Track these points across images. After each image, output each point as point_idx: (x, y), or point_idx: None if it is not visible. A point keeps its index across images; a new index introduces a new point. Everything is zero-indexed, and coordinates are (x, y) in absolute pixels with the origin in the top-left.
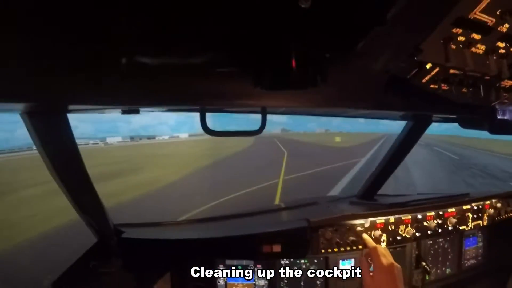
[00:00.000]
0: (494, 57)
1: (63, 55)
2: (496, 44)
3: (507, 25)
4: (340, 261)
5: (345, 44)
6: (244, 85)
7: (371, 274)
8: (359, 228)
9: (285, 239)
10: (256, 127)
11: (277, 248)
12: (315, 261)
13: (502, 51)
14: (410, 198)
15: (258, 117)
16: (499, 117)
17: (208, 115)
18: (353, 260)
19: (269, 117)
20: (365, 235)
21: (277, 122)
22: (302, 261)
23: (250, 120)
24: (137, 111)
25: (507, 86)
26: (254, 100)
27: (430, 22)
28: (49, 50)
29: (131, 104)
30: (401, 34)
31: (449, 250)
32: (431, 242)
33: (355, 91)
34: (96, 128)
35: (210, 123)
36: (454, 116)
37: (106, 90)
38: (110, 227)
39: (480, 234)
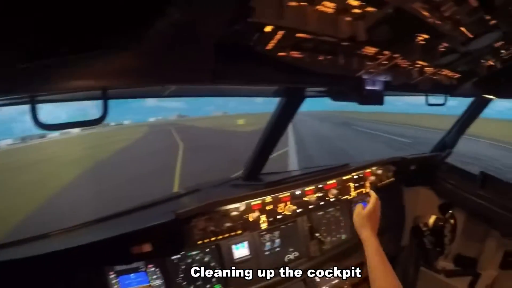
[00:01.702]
0: (347, 19)
1: None
2: (348, 2)
3: None
4: (233, 246)
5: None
6: (74, 62)
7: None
8: (234, 213)
9: (154, 236)
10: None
11: (147, 248)
12: (207, 250)
13: (357, 10)
14: (292, 174)
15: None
16: (367, 87)
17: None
18: (246, 243)
19: (163, 103)
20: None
21: (173, 108)
22: (194, 252)
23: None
24: None
25: (370, 54)
26: (91, 82)
27: None
28: None
29: None
30: None
31: (341, 218)
32: (321, 213)
33: (187, 62)
34: None
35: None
36: (325, 89)
37: None
38: None
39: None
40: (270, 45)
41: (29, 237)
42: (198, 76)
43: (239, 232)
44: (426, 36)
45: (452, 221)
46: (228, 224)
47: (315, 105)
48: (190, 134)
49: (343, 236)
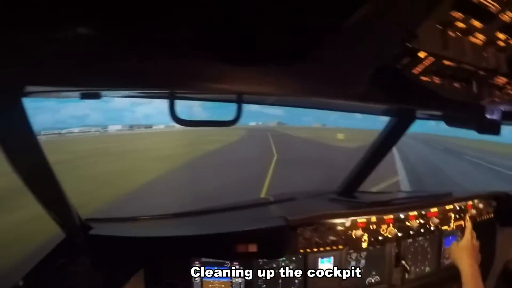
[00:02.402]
0: (492, 50)
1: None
2: (496, 35)
3: (510, 14)
4: (319, 259)
5: (328, 23)
6: (217, 67)
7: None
8: (339, 228)
9: (261, 238)
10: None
11: (253, 248)
12: (294, 259)
13: (501, 43)
14: (392, 196)
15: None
16: (488, 116)
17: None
18: (332, 258)
19: (265, 109)
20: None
21: (273, 115)
22: (280, 259)
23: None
24: (97, 96)
25: (500, 84)
26: (228, 84)
27: (427, 3)
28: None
29: (89, 86)
30: (394, 16)
31: (428, 249)
32: (411, 241)
33: (339, 79)
34: (105, 116)
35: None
36: (440, 113)
37: (62, 71)
38: (76, 223)
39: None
40: (417, 69)
41: (121, 217)
42: (350, 93)
43: (340, 247)
44: None
45: None
46: (332, 238)
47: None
48: (287, 144)
49: (427, 269)
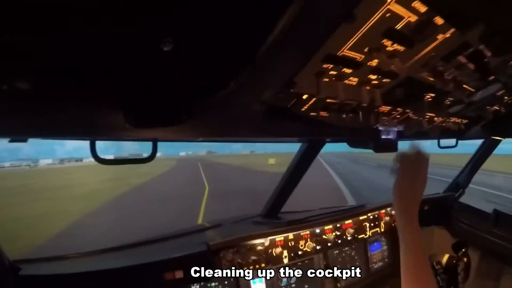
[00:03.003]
0: (367, 88)
1: None
2: (368, 77)
3: (376, 60)
4: (251, 281)
5: (217, 82)
6: (132, 119)
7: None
8: (259, 248)
9: (187, 264)
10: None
11: (179, 274)
12: (226, 283)
13: (375, 82)
14: (311, 214)
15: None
16: (383, 137)
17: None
18: (263, 278)
19: None
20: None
21: (203, 145)
22: (213, 284)
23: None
24: (24, 140)
25: (385, 111)
26: (143, 133)
27: (301, 58)
28: None
29: (14, 135)
30: (274, 69)
31: (356, 257)
32: (337, 251)
33: (237, 121)
34: (37, 150)
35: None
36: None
37: None
38: (5, 263)
39: (383, 239)
40: (304, 108)
41: (50, 257)
42: (247, 132)
43: (263, 265)
44: (433, 94)
45: (465, 259)
46: (253, 257)
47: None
48: (218, 174)
49: (358, 275)
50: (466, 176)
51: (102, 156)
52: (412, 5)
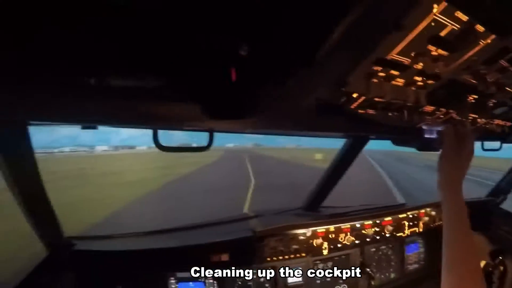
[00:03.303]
0: (413, 88)
1: (24, 74)
2: (414, 78)
3: (421, 64)
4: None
5: (279, 80)
6: (192, 110)
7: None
8: (301, 237)
9: (233, 248)
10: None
11: (225, 257)
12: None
13: (420, 83)
14: (351, 209)
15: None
16: (426, 136)
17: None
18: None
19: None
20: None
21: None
22: (255, 270)
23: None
24: (95, 127)
25: (429, 111)
26: (201, 124)
27: (355, 60)
28: (12, 68)
29: (90, 122)
30: (330, 69)
31: (392, 256)
32: (374, 249)
33: (293, 116)
34: (94, 137)
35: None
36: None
37: (67, 108)
38: (61, 239)
39: (420, 240)
40: (354, 105)
41: (102, 235)
42: (300, 126)
43: (303, 254)
44: (476, 96)
45: (502, 268)
46: (295, 246)
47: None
48: (265, 168)
49: (392, 275)
50: (509, 181)
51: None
52: (455, 14)
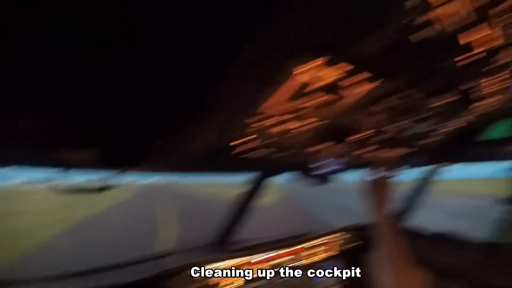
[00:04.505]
0: (303, 130)
1: None
2: (303, 122)
3: (307, 109)
4: None
5: (171, 131)
6: (91, 156)
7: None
8: (210, 273)
9: None
10: None
11: None
12: None
13: (310, 126)
14: (261, 241)
15: None
16: (322, 170)
17: None
18: None
19: None
20: None
21: None
22: None
23: None
24: None
25: (320, 150)
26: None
27: (239, 110)
28: None
29: None
30: (217, 120)
31: (302, 282)
32: (283, 277)
33: (187, 160)
34: None
35: None
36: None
37: None
38: None
39: (335, 263)
40: (249, 148)
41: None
42: (200, 167)
43: None
44: (368, 132)
45: None
46: (203, 283)
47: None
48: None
49: None
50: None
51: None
52: (337, 66)
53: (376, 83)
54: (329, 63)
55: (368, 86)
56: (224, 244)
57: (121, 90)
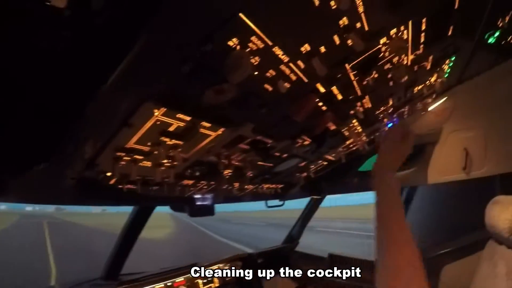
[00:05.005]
0: (162, 168)
1: None
2: (160, 161)
3: (161, 150)
4: None
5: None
6: None
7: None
8: None
9: None
10: None
11: None
12: None
13: (167, 164)
14: (149, 274)
15: None
16: (198, 203)
17: None
18: None
19: None
20: None
21: None
22: None
23: None
24: None
25: (190, 184)
26: None
27: (99, 148)
28: None
29: None
30: (79, 155)
31: None
32: None
33: (56, 190)
34: None
35: None
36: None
37: None
38: None
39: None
40: (112, 182)
41: None
42: (69, 199)
43: None
44: (230, 170)
45: None
46: None
47: None
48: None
49: None
50: (298, 229)
51: None
52: (177, 116)
53: (221, 131)
54: (167, 113)
55: (215, 133)
56: (109, 278)
57: None
